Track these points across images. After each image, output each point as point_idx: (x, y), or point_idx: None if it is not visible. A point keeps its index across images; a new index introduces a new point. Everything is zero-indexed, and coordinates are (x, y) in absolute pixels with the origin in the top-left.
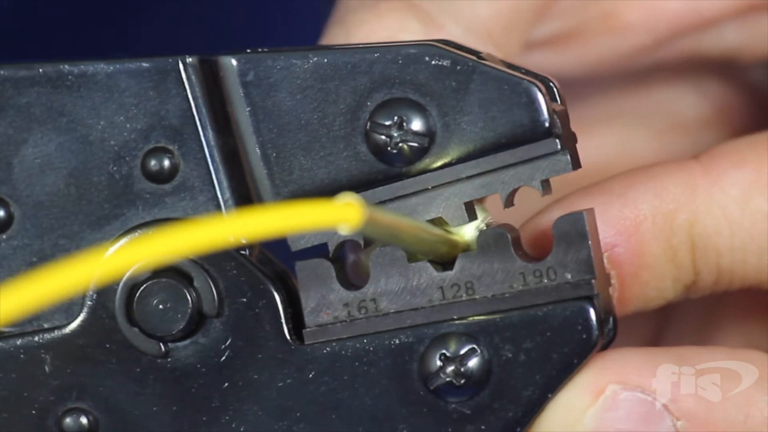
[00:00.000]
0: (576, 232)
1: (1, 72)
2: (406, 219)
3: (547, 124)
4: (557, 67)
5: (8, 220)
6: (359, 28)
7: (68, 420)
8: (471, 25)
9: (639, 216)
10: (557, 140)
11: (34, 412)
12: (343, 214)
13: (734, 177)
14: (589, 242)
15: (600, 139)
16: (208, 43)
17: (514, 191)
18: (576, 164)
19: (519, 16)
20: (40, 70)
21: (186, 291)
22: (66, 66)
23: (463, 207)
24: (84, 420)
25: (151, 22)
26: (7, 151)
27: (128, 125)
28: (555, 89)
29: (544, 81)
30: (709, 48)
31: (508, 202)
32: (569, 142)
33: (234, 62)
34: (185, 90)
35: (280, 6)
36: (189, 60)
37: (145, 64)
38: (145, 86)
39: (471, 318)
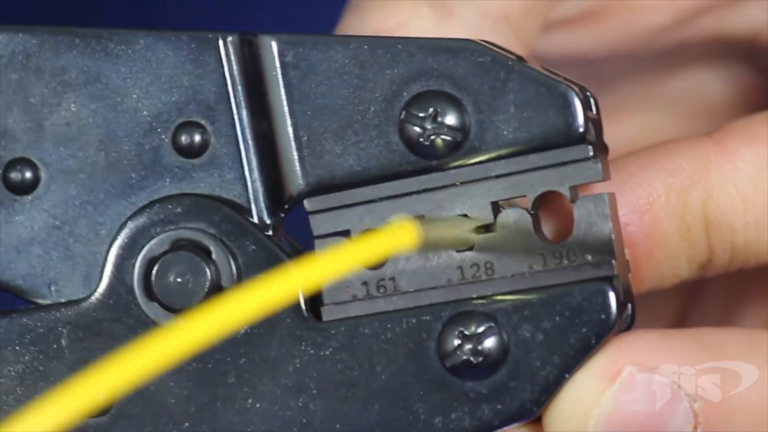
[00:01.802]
0: (597, 213)
1: (40, 34)
2: (450, 225)
3: (581, 130)
4: (578, 47)
5: (35, 182)
6: (373, 14)
7: None
8: (487, 11)
9: (652, 194)
10: (591, 147)
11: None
12: (400, 239)
13: (747, 153)
14: (611, 224)
15: (628, 123)
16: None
17: (542, 195)
18: (607, 175)
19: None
20: (80, 34)
21: (205, 264)
22: (106, 32)
23: (490, 206)
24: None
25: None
26: (40, 113)
27: (162, 97)
28: (592, 98)
29: (582, 89)
30: (733, 28)
31: (535, 205)
32: (601, 151)
33: (274, 42)
34: (222, 67)
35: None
36: (229, 38)
37: (185, 37)
38: (183, 59)
39: (489, 297)
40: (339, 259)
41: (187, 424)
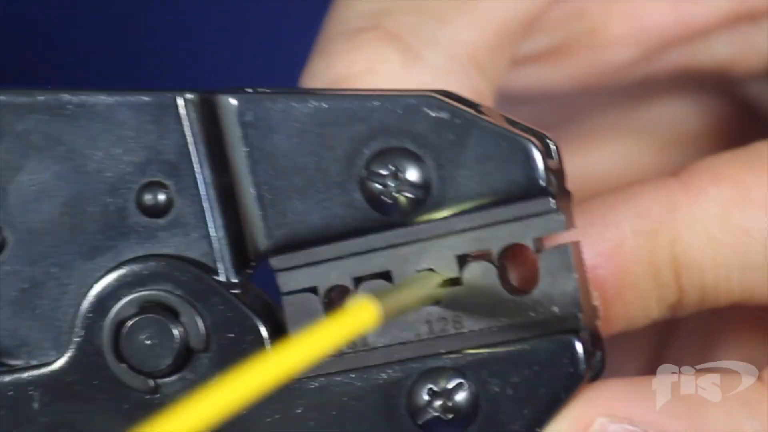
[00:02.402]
0: (561, 265)
1: (0, 98)
2: (414, 286)
3: (542, 182)
4: (547, 81)
5: (1, 245)
6: (340, 59)
7: None
8: (454, 54)
9: (620, 237)
10: (552, 199)
11: None
12: (361, 318)
13: (714, 194)
14: (575, 275)
15: (604, 152)
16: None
17: (507, 247)
18: (570, 224)
19: (504, 37)
20: (40, 98)
21: (173, 326)
22: (66, 95)
23: (455, 259)
24: None
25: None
26: (2, 177)
27: (125, 158)
28: (553, 146)
29: (542, 138)
30: (702, 61)
31: (500, 258)
32: (564, 200)
33: (233, 101)
34: (183, 126)
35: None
36: (188, 96)
37: (144, 98)
38: (143, 120)
39: (459, 352)
40: (303, 351)
41: None
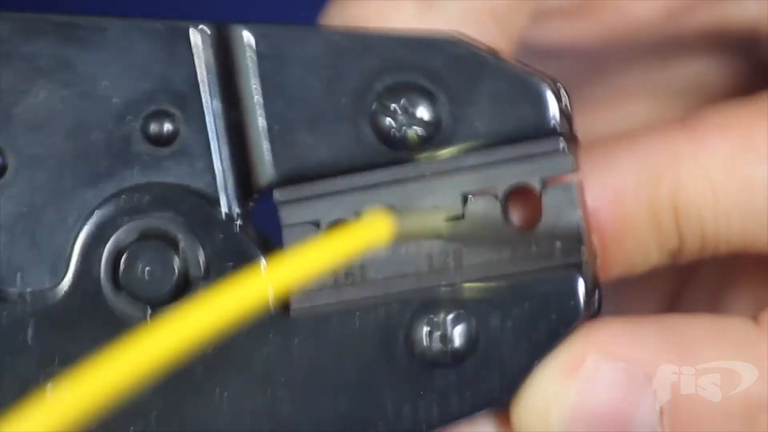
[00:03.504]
0: (566, 201)
1: (11, 20)
2: (421, 216)
3: (553, 122)
4: (572, 38)
5: (2, 169)
6: (353, 5)
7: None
8: (471, 4)
9: (621, 182)
10: (562, 139)
11: (16, 380)
12: (375, 233)
13: (719, 142)
14: (579, 212)
15: (627, 111)
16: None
17: (512, 187)
18: (577, 166)
19: None
20: (51, 20)
21: (173, 254)
22: (78, 19)
23: (460, 197)
24: None
25: None
26: (8, 100)
27: (134, 85)
28: (564, 93)
29: (554, 81)
30: (730, 20)
31: (505, 196)
32: (573, 143)
33: (247, 32)
34: (194, 56)
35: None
36: (201, 27)
37: (158, 26)
38: (154, 48)
39: (458, 285)
40: (313, 256)
41: (154, 421)
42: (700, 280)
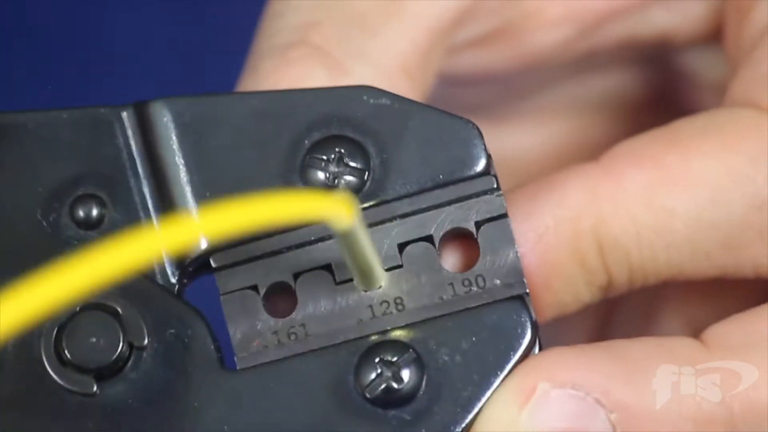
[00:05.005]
0: (502, 238)
1: None
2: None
3: (483, 162)
4: (488, 64)
5: None
6: (268, 75)
7: None
8: (382, 65)
9: (541, 225)
10: (493, 179)
11: None
12: (340, 209)
13: (634, 175)
14: (516, 247)
15: (553, 129)
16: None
17: (448, 233)
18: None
19: (434, 39)
20: None
21: (114, 322)
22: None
23: (396, 248)
24: None
25: None
26: None
27: (58, 173)
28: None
29: (474, 124)
30: (641, 33)
31: (441, 241)
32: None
33: (167, 106)
34: (117, 139)
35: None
36: (123, 113)
37: (77, 114)
38: (76, 135)
39: (404, 327)
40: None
41: None
42: (629, 305)
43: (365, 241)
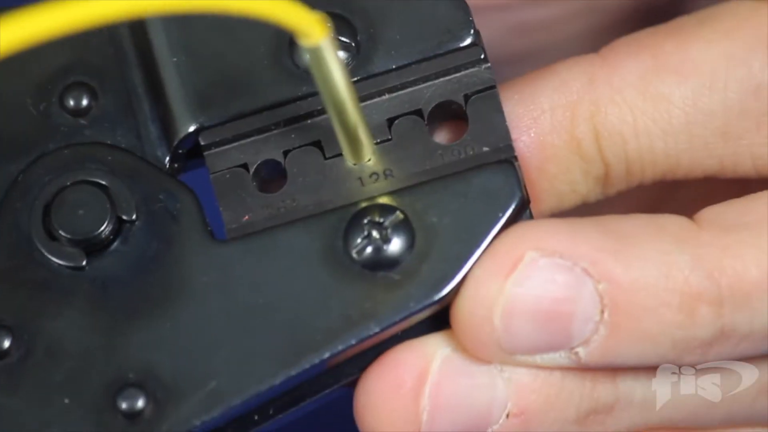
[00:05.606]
0: (490, 107)
1: None
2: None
3: (472, 33)
4: None
5: None
6: None
7: None
8: None
9: (537, 109)
10: (480, 48)
11: None
12: (314, 25)
13: (632, 64)
14: (504, 115)
15: (573, 29)
16: None
17: (437, 108)
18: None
19: None
20: None
21: (102, 195)
22: None
23: (386, 123)
24: (7, 343)
25: None
26: None
27: (48, 62)
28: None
29: None
30: None
31: (431, 114)
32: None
33: None
34: (108, 28)
35: None
36: None
37: None
38: None
39: (392, 192)
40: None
41: (99, 355)
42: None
43: (336, 65)
